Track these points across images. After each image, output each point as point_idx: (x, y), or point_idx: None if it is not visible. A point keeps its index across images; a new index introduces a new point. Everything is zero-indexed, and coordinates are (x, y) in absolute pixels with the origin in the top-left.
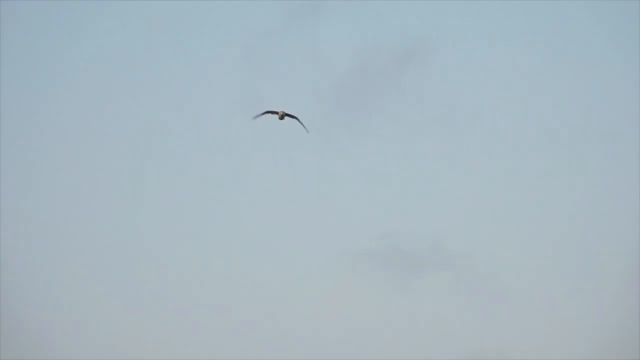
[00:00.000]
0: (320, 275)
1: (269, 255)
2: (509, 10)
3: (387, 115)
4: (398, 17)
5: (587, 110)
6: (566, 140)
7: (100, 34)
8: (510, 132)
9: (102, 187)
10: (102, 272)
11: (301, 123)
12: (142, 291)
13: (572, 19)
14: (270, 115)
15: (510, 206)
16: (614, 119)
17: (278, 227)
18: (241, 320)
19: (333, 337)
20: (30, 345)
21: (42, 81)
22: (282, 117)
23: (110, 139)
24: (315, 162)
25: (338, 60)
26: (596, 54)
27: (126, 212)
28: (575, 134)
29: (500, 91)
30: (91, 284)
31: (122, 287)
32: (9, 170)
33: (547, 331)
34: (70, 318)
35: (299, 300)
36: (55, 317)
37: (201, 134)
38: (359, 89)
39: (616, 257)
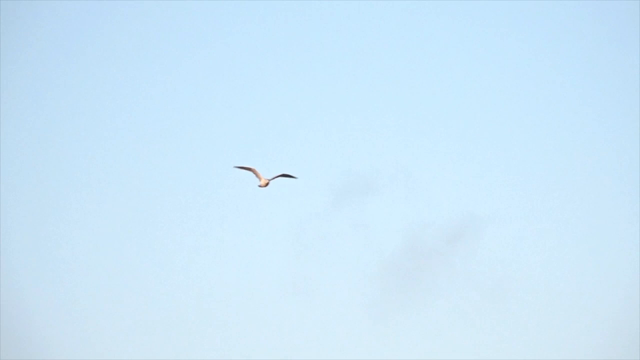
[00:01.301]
0: None
1: None
2: (554, 188)
3: (438, 294)
4: (445, 196)
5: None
6: (621, 312)
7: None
8: (564, 309)
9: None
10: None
11: (288, 175)
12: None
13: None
14: (252, 173)
15: None
16: None
17: None
18: None
19: None
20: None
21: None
22: (265, 185)
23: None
24: (366, 342)
25: (387, 240)
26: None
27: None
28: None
29: (550, 267)
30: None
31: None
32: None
33: None
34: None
35: None
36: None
37: (249, 313)
38: (409, 269)
39: None
